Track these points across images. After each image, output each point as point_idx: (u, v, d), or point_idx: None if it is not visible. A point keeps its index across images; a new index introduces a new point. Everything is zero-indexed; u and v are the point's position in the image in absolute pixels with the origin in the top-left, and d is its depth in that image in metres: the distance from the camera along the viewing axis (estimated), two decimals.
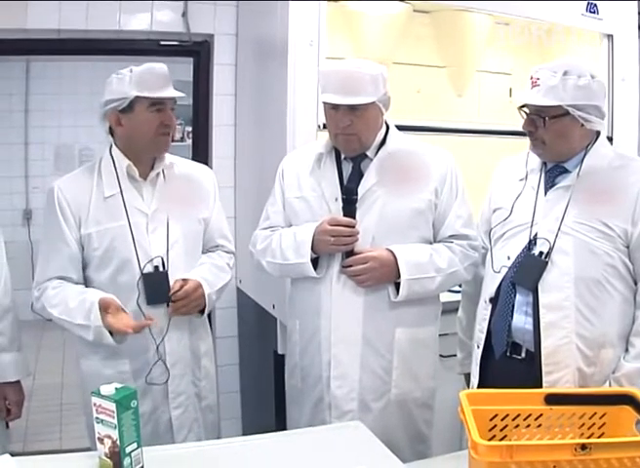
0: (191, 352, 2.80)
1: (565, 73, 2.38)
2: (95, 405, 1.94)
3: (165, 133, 2.69)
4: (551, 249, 2.45)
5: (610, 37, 4.12)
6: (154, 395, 2.70)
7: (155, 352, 2.69)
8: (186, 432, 2.77)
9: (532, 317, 2.49)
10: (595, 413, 2.06)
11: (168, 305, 2.67)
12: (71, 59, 6.16)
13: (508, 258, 2.57)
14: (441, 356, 2.98)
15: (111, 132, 2.76)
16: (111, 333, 2.54)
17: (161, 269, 2.68)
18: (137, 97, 2.61)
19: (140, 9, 4.08)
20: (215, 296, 2.81)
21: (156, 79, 2.64)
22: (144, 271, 2.65)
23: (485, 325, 2.63)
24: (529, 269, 2.49)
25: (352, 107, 2.63)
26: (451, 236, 2.79)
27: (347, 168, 2.80)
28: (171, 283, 2.68)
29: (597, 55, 4.12)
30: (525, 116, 2.49)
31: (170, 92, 2.66)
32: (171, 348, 2.72)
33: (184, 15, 4.10)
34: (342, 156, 2.81)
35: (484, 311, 2.65)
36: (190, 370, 2.79)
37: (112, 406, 1.91)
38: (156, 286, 2.66)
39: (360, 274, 2.68)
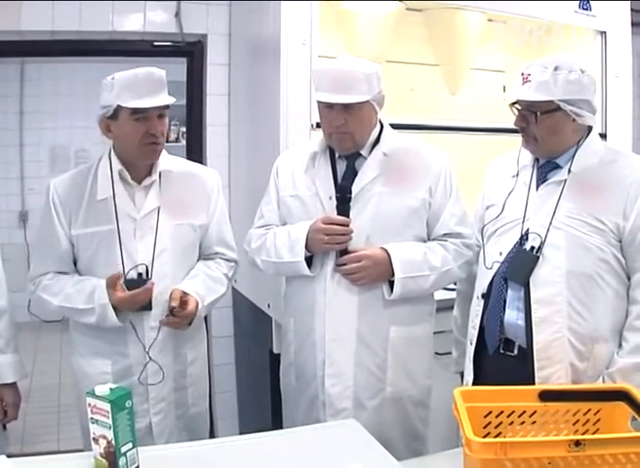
0: (175, 360, 2.76)
1: (556, 68, 2.38)
2: (89, 405, 1.94)
3: (150, 142, 2.62)
4: (543, 243, 2.46)
5: (603, 34, 4.13)
6: (134, 399, 2.67)
7: (139, 356, 2.69)
8: (167, 438, 2.74)
9: (524, 312, 2.49)
10: (590, 410, 2.07)
11: (150, 309, 2.66)
12: (66, 61, 6.16)
13: (500, 254, 2.57)
14: (436, 354, 2.99)
15: None
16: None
17: (144, 277, 2.65)
18: (119, 106, 2.56)
19: (132, 9, 4.08)
20: (204, 312, 2.79)
21: (139, 87, 2.54)
22: (128, 277, 2.63)
23: (478, 321, 2.64)
24: (520, 264, 2.49)
25: (346, 106, 2.63)
26: (445, 234, 2.79)
27: (342, 166, 2.80)
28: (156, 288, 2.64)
29: (591, 52, 4.12)
30: (517, 113, 2.50)
31: (154, 101, 2.57)
32: (153, 355, 2.69)
33: (177, 15, 4.11)
34: (337, 155, 2.81)
35: (477, 307, 2.65)
36: (172, 377, 2.76)
37: (107, 406, 1.91)
38: None
39: (354, 272, 2.68)
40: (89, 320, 2.62)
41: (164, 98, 2.61)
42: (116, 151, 2.72)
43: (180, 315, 2.64)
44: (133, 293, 2.57)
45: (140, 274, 2.65)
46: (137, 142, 2.61)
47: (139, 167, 2.72)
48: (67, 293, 2.65)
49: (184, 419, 2.83)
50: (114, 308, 2.58)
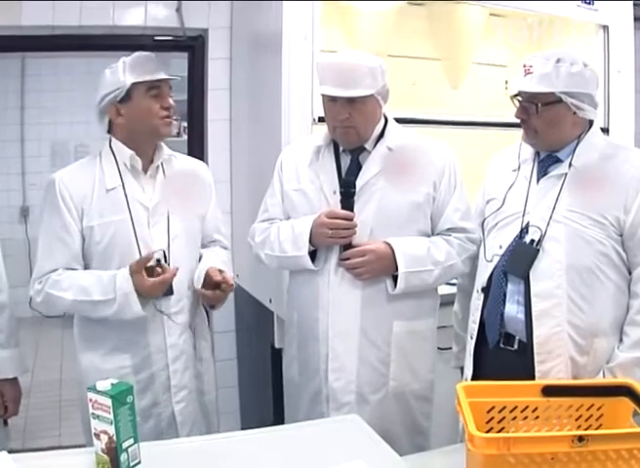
0: (193, 346, 2.79)
1: (558, 61, 2.39)
2: (91, 400, 1.94)
3: (166, 116, 2.68)
4: (543, 237, 2.45)
5: (605, 28, 4.12)
6: (155, 389, 2.70)
7: (160, 344, 2.70)
8: (190, 427, 2.76)
9: (523, 306, 2.49)
10: (593, 405, 2.06)
11: (171, 293, 2.68)
12: (66, 56, 6.15)
13: (500, 247, 2.57)
14: (439, 348, 2.98)
15: (109, 127, 2.74)
16: None
17: (163, 262, 2.66)
18: (133, 85, 2.60)
19: (133, 4, 4.08)
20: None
21: (149, 64, 2.64)
22: (147, 264, 2.60)
23: (478, 315, 2.64)
24: (520, 257, 2.49)
25: (350, 100, 2.63)
26: (449, 229, 2.79)
27: (346, 160, 2.80)
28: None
29: (593, 46, 4.12)
30: (518, 105, 2.50)
31: (165, 75, 2.66)
32: (172, 342, 2.71)
33: (178, 9, 4.10)
34: (341, 149, 2.81)
35: (477, 301, 2.66)
36: (192, 364, 2.79)
37: (108, 401, 1.90)
38: None
39: (358, 267, 2.68)
40: (106, 312, 2.58)
41: (169, 73, 2.70)
42: (122, 138, 2.71)
43: (227, 289, 2.69)
44: (164, 277, 2.58)
45: (158, 260, 2.65)
46: (154, 117, 2.65)
47: (144, 153, 2.73)
48: (82, 286, 2.59)
49: (202, 407, 2.85)
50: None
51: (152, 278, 2.57)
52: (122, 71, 2.61)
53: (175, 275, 2.61)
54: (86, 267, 2.69)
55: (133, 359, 2.68)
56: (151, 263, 2.60)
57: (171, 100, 2.70)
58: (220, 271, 2.71)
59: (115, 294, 2.55)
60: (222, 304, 2.82)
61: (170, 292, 2.67)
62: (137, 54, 2.66)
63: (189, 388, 2.78)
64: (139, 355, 2.69)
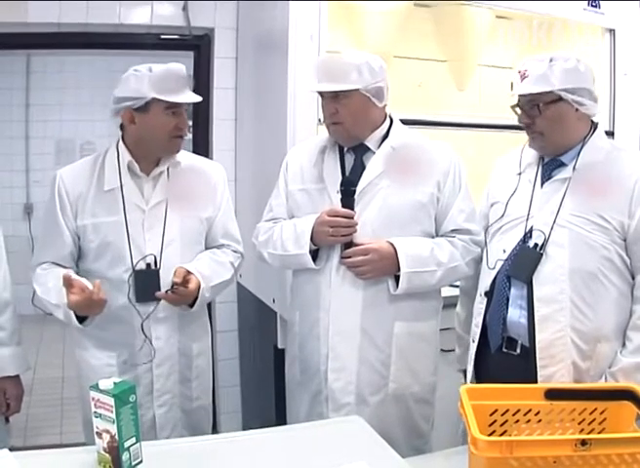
0: (180, 352, 2.78)
1: (551, 60, 2.41)
2: (93, 399, 1.93)
3: (178, 135, 2.68)
4: (546, 241, 2.45)
5: (612, 31, 4.12)
6: (138, 391, 2.66)
7: (140, 348, 2.69)
8: (170, 431, 2.75)
9: (526, 311, 2.48)
10: (596, 409, 2.06)
11: (158, 302, 2.67)
12: (72, 54, 6.16)
13: (504, 252, 2.56)
14: (442, 350, 2.96)
15: (122, 127, 2.74)
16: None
17: (153, 267, 2.67)
18: (153, 99, 2.58)
19: (140, 3, 4.08)
20: (208, 293, 2.75)
21: (175, 81, 2.62)
22: (136, 268, 2.63)
23: (480, 319, 2.63)
24: (523, 262, 2.49)
25: (336, 96, 2.65)
26: (453, 230, 2.77)
27: (350, 161, 2.79)
28: (163, 279, 2.66)
29: (599, 48, 4.12)
30: (520, 112, 2.49)
31: (188, 96, 2.65)
32: (157, 346, 2.70)
33: (185, 9, 4.10)
34: (345, 149, 2.80)
35: (479, 305, 2.65)
36: (178, 369, 2.77)
37: (111, 400, 1.90)
38: (146, 283, 2.64)
39: (360, 265, 2.67)
40: (59, 316, 2.60)
41: (194, 95, 2.69)
42: (130, 143, 2.72)
43: (181, 293, 2.63)
44: (86, 297, 2.43)
45: (148, 264, 2.66)
46: (166, 135, 2.65)
47: (149, 158, 2.73)
48: (47, 286, 2.64)
49: (188, 413, 2.83)
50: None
51: (78, 295, 2.44)
52: (147, 81, 2.58)
53: (96, 294, 2.44)
54: (82, 264, 2.74)
55: (118, 358, 2.71)
56: (140, 267, 2.63)
57: (187, 120, 2.70)
58: (188, 272, 2.65)
59: (61, 302, 2.55)
60: (189, 303, 2.71)
61: (156, 297, 2.65)
62: (166, 68, 2.61)
63: (173, 393, 2.77)
64: (124, 355, 2.71)
